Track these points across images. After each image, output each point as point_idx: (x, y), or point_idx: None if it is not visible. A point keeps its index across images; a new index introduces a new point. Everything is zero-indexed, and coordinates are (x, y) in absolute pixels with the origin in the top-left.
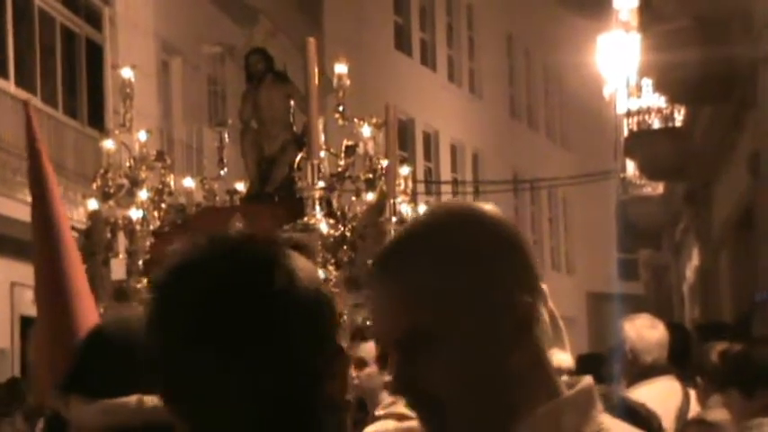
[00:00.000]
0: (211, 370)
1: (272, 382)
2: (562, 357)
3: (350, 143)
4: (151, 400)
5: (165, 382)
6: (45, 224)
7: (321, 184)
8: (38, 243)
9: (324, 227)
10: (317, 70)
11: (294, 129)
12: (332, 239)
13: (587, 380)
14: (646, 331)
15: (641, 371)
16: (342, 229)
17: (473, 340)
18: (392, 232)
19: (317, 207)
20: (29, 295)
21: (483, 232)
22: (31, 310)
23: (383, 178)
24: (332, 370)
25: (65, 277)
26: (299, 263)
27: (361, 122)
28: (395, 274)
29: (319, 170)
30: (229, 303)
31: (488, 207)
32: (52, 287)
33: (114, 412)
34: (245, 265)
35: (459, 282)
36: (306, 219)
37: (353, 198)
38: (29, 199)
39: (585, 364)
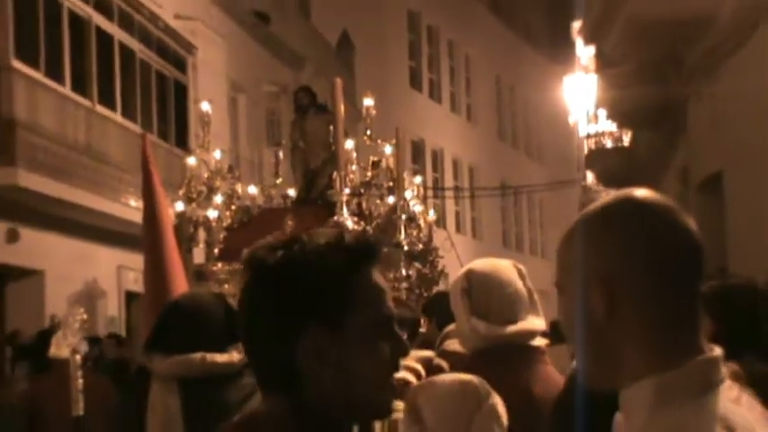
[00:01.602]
0: None
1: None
2: (537, 322)
3: (375, 159)
4: (211, 356)
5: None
6: (152, 223)
7: (347, 191)
8: (147, 237)
9: (349, 224)
10: (343, 104)
11: (332, 148)
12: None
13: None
14: None
15: None
16: (364, 225)
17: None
18: (402, 227)
19: (345, 209)
20: (131, 275)
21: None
22: (133, 287)
23: (396, 187)
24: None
25: (165, 263)
26: None
27: (383, 143)
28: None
29: (346, 180)
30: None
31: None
32: (156, 270)
33: (184, 365)
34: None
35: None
36: (336, 218)
37: (378, 201)
38: (131, 203)
39: (555, 326)
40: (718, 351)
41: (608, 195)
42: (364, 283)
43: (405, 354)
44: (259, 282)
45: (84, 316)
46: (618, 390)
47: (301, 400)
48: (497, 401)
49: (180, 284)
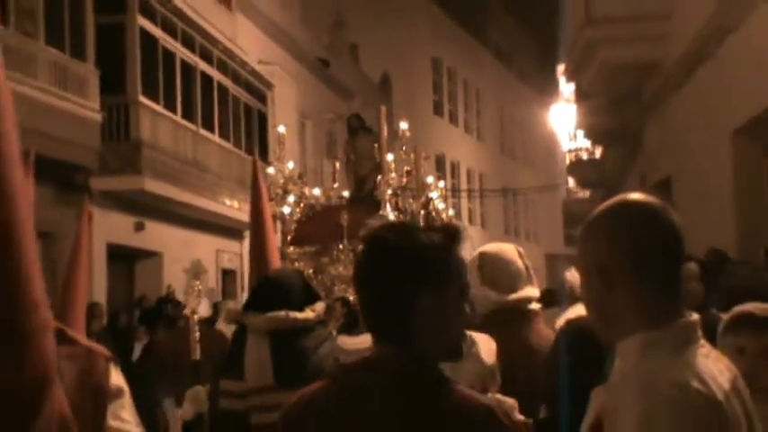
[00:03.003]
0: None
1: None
2: (532, 291)
3: (408, 168)
4: (293, 313)
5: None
6: (258, 220)
7: (389, 192)
8: (253, 229)
9: (391, 216)
10: (386, 126)
11: (376, 160)
12: None
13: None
14: (577, 275)
15: (575, 299)
16: (402, 217)
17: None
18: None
19: (387, 206)
20: (226, 256)
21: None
22: (227, 265)
23: (425, 190)
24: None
25: (266, 248)
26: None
27: (415, 156)
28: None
29: (387, 184)
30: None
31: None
32: (259, 253)
33: (273, 320)
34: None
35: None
36: (380, 212)
37: (411, 200)
38: (225, 202)
39: (545, 295)
40: (695, 316)
41: (617, 197)
42: (455, 257)
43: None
44: (384, 255)
45: (200, 287)
46: (617, 342)
47: (409, 346)
48: (478, 350)
49: (275, 262)
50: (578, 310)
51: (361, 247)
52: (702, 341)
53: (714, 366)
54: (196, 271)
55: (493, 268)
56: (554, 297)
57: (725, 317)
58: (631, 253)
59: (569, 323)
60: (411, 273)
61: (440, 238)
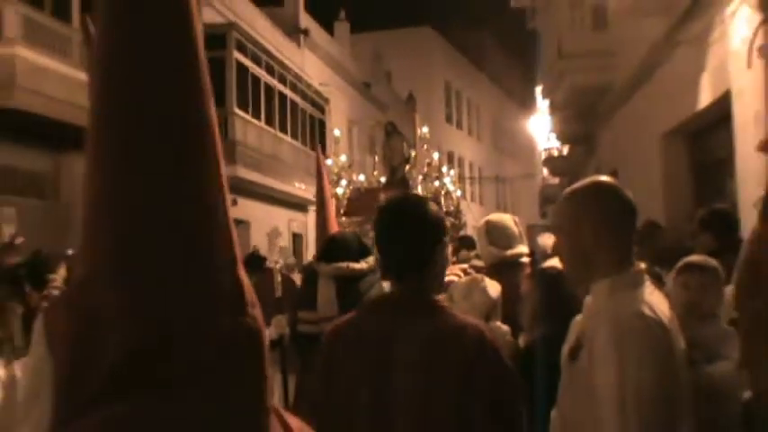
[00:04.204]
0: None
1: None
2: (523, 248)
3: (428, 161)
4: (352, 264)
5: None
6: (321, 196)
7: (421, 178)
8: (318, 203)
9: (421, 193)
10: (417, 131)
11: (405, 156)
12: None
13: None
14: (547, 240)
15: (545, 257)
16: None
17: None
18: (442, 198)
19: (420, 189)
20: (295, 224)
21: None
22: (297, 230)
23: (440, 176)
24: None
25: (327, 217)
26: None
27: (433, 152)
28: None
29: (413, 173)
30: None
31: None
32: (324, 218)
33: (338, 269)
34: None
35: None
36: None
37: (430, 184)
38: (296, 185)
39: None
40: (642, 265)
41: (584, 180)
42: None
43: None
44: (408, 218)
45: (283, 244)
46: (590, 284)
47: (420, 285)
48: (486, 285)
49: (334, 228)
50: (550, 263)
51: (379, 214)
52: (648, 282)
53: (657, 300)
54: (274, 234)
55: (495, 231)
56: (532, 255)
57: (677, 266)
58: (603, 218)
59: (542, 270)
60: (430, 232)
61: (436, 206)
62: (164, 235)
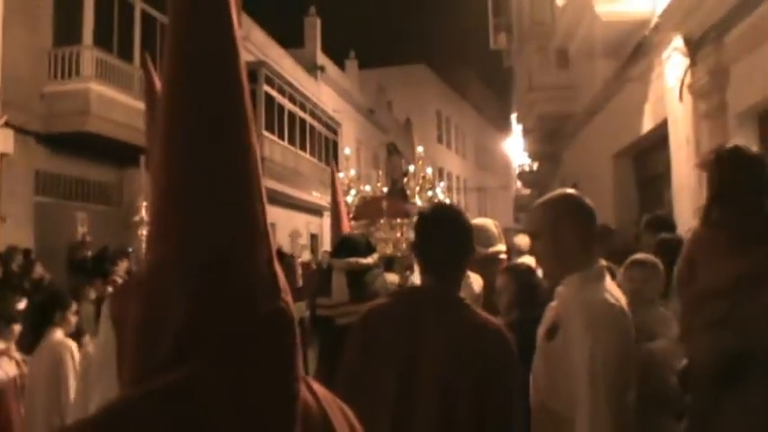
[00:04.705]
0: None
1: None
2: (502, 247)
3: (423, 174)
4: (360, 260)
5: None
6: (335, 200)
7: (417, 189)
8: (333, 208)
9: (418, 202)
10: (416, 150)
11: (404, 170)
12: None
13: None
14: (521, 240)
15: (519, 254)
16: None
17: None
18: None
19: (417, 198)
20: (312, 226)
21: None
22: (313, 231)
23: (433, 187)
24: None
25: (340, 220)
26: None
27: (427, 167)
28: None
29: (411, 185)
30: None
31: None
32: (337, 222)
33: (349, 263)
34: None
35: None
36: (411, 201)
37: (424, 194)
38: (313, 193)
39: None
40: (603, 262)
41: (553, 192)
42: None
43: None
44: (458, 224)
45: (304, 242)
46: (563, 277)
47: (445, 280)
48: (471, 281)
49: (346, 229)
50: (522, 259)
51: (423, 218)
52: (608, 276)
53: (615, 290)
54: (295, 235)
55: (478, 233)
56: (509, 254)
57: (625, 262)
58: (573, 223)
59: (515, 265)
60: (467, 240)
61: (469, 219)
62: (219, 230)
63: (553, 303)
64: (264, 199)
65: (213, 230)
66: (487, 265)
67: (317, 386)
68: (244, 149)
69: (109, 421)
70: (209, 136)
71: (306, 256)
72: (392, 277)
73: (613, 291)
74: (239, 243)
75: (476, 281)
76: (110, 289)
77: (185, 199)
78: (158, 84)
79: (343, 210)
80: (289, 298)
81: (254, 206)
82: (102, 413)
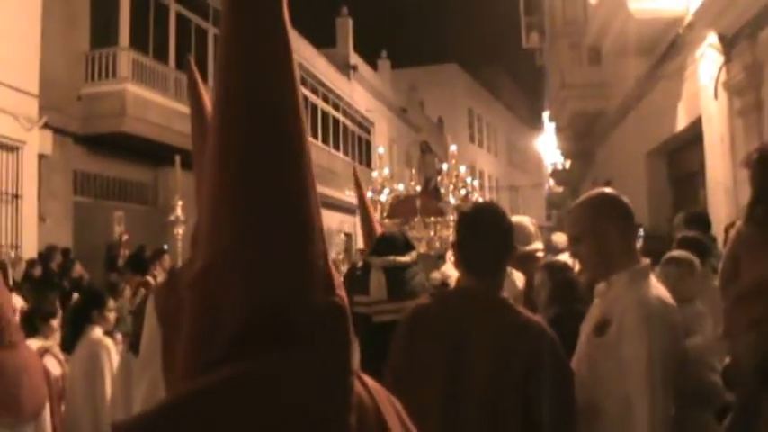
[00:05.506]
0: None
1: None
2: (539, 245)
3: (456, 173)
4: (398, 257)
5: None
6: (363, 201)
7: (451, 188)
8: (360, 207)
9: (452, 201)
10: (449, 148)
11: (437, 168)
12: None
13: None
14: (559, 237)
15: (557, 252)
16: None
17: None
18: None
19: (450, 197)
20: (346, 225)
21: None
22: (347, 230)
23: (466, 186)
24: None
25: (370, 219)
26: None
27: (460, 166)
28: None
29: (444, 183)
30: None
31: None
32: (368, 223)
33: (387, 260)
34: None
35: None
36: (444, 199)
37: (458, 192)
38: (347, 193)
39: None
40: (647, 260)
41: (590, 191)
42: None
43: None
44: (501, 225)
45: (343, 238)
46: (609, 276)
47: (489, 281)
48: (514, 278)
49: (377, 229)
50: (560, 257)
51: (465, 217)
52: (651, 273)
53: (662, 288)
54: (330, 234)
55: (516, 231)
56: (546, 252)
57: (662, 260)
58: (616, 223)
59: (551, 263)
60: (509, 240)
61: (510, 220)
62: (275, 229)
63: (597, 300)
64: (317, 193)
65: (268, 227)
66: (525, 263)
67: (368, 379)
68: (298, 146)
69: (184, 408)
70: (265, 129)
71: (333, 254)
72: (432, 276)
73: (660, 288)
74: (294, 239)
75: (518, 277)
76: (151, 282)
77: (240, 197)
78: (202, 86)
79: (371, 208)
80: (342, 292)
81: (308, 200)
82: (168, 402)
